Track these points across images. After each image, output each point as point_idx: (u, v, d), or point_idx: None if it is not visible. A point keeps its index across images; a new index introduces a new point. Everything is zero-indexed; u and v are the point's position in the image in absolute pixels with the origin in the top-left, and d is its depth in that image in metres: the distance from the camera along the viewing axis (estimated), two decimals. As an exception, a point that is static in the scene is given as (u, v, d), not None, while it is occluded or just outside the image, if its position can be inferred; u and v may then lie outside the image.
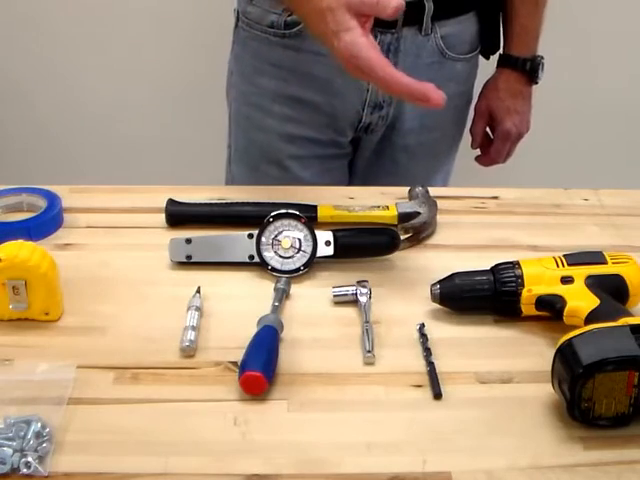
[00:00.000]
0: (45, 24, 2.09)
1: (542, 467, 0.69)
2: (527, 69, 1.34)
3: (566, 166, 2.03)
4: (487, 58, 1.38)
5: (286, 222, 0.94)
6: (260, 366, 0.75)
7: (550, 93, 2.09)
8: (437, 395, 0.76)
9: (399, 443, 0.71)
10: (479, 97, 1.40)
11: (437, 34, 1.24)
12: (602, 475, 0.68)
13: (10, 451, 0.67)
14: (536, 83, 1.36)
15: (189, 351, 0.81)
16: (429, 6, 1.20)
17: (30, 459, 0.66)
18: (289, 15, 1.21)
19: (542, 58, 1.35)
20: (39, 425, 0.69)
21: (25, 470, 0.66)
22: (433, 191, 1.08)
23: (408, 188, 1.09)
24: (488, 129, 1.42)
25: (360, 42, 0.89)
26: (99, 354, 0.81)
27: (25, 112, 2.22)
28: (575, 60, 2.08)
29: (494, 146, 1.41)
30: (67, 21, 2.08)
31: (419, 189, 1.07)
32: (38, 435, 0.68)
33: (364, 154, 1.36)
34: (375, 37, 1.17)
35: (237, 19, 1.31)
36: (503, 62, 1.37)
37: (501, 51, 1.37)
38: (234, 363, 0.79)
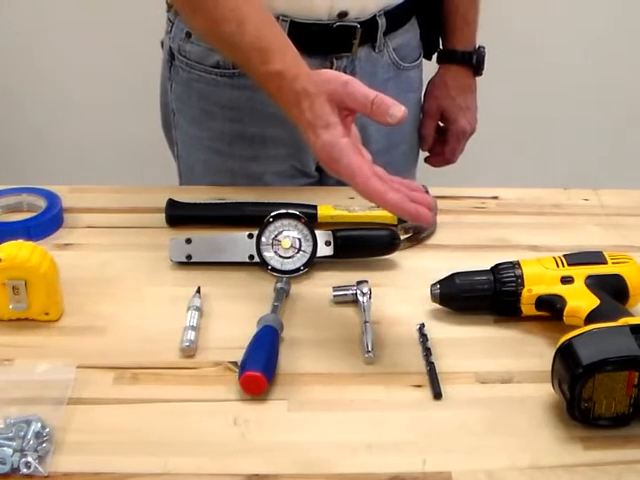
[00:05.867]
0: (45, 23, 2.10)
1: (542, 467, 0.69)
2: (473, 62, 1.28)
3: (566, 166, 2.04)
4: (429, 58, 1.32)
5: (286, 222, 0.94)
6: (260, 366, 0.75)
7: (550, 93, 2.10)
8: (437, 395, 0.76)
9: (399, 443, 0.71)
10: (426, 97, 1.32)
11: (389, 48, 1.18)
12: (602, 475, 0.68)
13: (10, 451, 0.67)
14: (480, 75, 1.30)
15: (189, 351, 0.81)
16: (382, 22, 1.14)
17: (30, 459, 0.66)
18: None
19: (484, 48, 1.28)
20: (39, 425, 0.69)
21: (25, 470, 0.66)
22: (433, 191, 1.08)
23: (408, 188, 1.09)
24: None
25: (341, 144, 0.78)
26: (99, 354, 0.81)
27: (25, 112, 2.22)
28: (575, 60, 2.08)
29: (449, 146, 1.32)
30: (67, 20, 2.08)
31: (419, 189, 1.07)
32: (38, 435, 0.68)
33: (331, 182, 1.24)
34: (331, 64, 1.12)
35: (171, 57, 1.18)
36: (447, 58, 1.30)
37: (441, 47, 1.31)
38: (234, 363, 0.79)
